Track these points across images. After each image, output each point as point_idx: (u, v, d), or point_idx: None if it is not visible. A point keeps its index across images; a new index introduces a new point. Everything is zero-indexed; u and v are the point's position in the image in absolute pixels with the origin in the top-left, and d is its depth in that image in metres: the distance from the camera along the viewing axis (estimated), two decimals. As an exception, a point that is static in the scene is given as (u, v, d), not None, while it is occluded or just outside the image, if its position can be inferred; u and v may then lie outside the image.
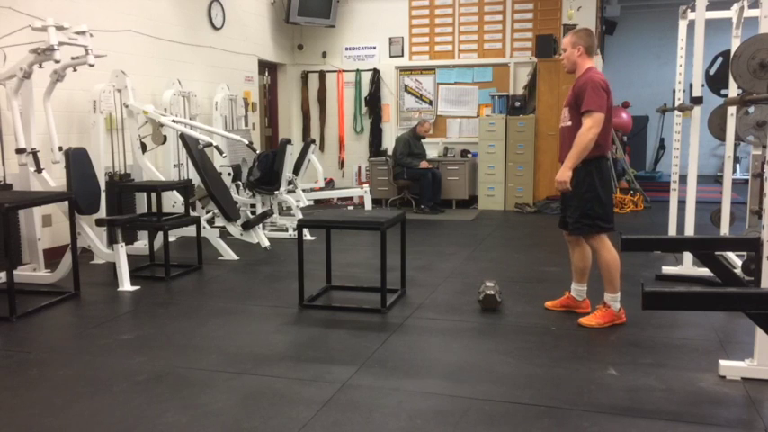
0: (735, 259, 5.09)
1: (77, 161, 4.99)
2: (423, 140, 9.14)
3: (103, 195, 5.51)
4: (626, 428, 2.63)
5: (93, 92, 5.80)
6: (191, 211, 5.86)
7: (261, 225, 6.36)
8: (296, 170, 7.36)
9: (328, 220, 4.67)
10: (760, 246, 3.06)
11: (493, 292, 4.14)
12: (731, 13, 5.19)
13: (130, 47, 6.72)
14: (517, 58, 9.35)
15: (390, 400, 2.90)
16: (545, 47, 8.77)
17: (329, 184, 9.87)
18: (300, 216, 5.95)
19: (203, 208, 6.64)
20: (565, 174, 3.73)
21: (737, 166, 11.22)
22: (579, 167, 3.77)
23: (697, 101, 4.83)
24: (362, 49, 9.97)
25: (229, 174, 6.91)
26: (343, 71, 10.07)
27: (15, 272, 4.37)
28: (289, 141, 7.06)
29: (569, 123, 3.82)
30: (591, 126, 3.64)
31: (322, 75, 10.13)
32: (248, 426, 2.66)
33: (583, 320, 3.92)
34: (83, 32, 4.91)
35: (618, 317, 3.90)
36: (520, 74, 9.36)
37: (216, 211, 6.33)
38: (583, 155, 3.69)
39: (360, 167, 10.07)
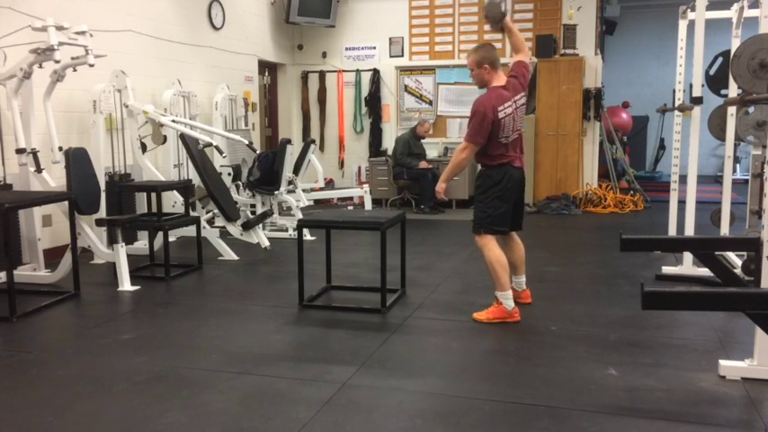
0: (735, 259, 5.09)
1: (77, 161, 4.99)
2: (423, 140, 9.13)
3: (103, 195, 5.51)
4: (626, 428, 2.63)
5: (93, 92, 5.80)
6: (191, 211, 5.86)
7: (261, 225, 6.35)
8: (296, 170, 7.36)
9: (328, 220, 4.67)
10: (760, 246, 3.05)
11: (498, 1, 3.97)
12: (731, 13, 5.18)
13: (130, 47, 6.72)
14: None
15: (390, 400, 2.90)
16: (545, 47, 8.78)
17: (329, 184, 9.87)
18: (300, 216, 5.96)
19: (203, 208, 6.64)
20: (439, 185, 4.13)
21: (737, 166, 11.21)
22: (480, 172, 4.08)
23: (697, 101, 4.83)
24: (362, 49, 9.96)
25: (229, 174, 6.91)
26: (343, 71, 10.06)
27: (15, 272, 4.37)
28: (289, 141, 7.06)
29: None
30: (463, 149, 3.98)
31: (322, 75, 10.13)
32: (248, 426, 2.66)
33: (476, 315, 4.03)
34: (83, 32, 4.90)
35: (510, 315, 3.97)
36: (520, 74, 9.34)
37: (216, 211, 6.33)
38: (455, 172, 4.12)
39: (360, 167, 10.06)
